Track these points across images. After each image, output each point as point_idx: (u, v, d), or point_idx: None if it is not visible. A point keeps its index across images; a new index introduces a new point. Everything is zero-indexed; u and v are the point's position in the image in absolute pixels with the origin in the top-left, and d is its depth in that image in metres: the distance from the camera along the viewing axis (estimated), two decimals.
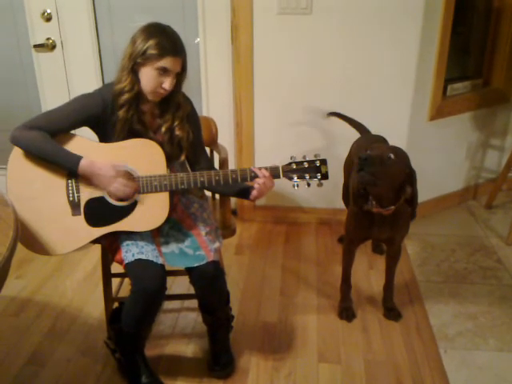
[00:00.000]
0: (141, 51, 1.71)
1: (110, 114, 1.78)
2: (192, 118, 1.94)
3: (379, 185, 1.93)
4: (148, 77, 1.74)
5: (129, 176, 1.78)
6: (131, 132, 1.80)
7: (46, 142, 1.72)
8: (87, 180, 1.77)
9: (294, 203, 3.21)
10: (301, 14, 2.72)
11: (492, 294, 2.49)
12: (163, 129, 1.85)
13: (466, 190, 3.50)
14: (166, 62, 1.71)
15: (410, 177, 1.98)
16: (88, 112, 1.78)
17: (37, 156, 1.75)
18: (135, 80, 1.76)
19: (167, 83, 1.75)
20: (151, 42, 1.69)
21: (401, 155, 1.96)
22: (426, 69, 2.83)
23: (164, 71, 1.73)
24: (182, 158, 1.93)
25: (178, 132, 1.86)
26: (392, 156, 1.90)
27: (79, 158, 1.73)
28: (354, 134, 2.65)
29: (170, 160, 1.86)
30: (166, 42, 1.71)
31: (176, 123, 1.86)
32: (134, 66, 1.74)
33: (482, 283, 2.59)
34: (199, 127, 2.01)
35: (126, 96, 1.76)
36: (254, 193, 1.84)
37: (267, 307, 2.42)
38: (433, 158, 3.14)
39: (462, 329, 2.26)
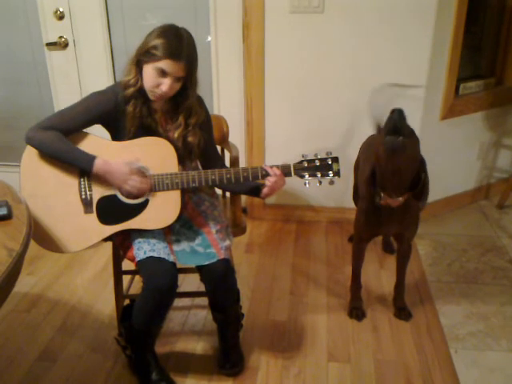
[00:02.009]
0: (145, 48, 1.72)
1: (122, 111, 1.79)
2: (206, 125, 1.94)
3: (403, 156, 1.84)
4: (147, 75, 1.74)
5: (142, 173, 1.79)
6: (142, 128, 1.81)
7: (60, 143, 1.73)
8: (101, 179, 1.78)
9: (304, 202, 3.20)
10: (313, 12, 2.71)
11: (504, 295, 2.47)
12: (176, 135, 1.85)
13: (478, 190, 3.48)
14: (164, 64, 1.70)
15: (422, 164, 1.97)
16: (101, 109, 1.79)
17: (51, 156, 1.76)
18: (140, 75, 1.76)
19: (164, 85, 1.73)
20: (157, 42, 1.69)
21: (416, 138, 1.93)
22: (439, 67, 2.81)
23: (162, 73, 1.72)
24: (194, 163, 1.94)
25: (190, 139, 1.86)
26: (413, 131, 1.88)
27: (93, 157, 1.74)
28: (365, 134, 2.63)
29: (182, 160, 1.87)
30: (172, 44, 1.69)
31: (189, 129, 1.86)
32: (138, 61, 1.75)
33: (494, 283, 2.57)
34: (212, 131, 2.01)
35: (131, 89, 1.77)
36: (265, 190, 1.84)
37: (277, 306, 2.42)
38: (445, 157, 3.12)
39: (473, 329, 2.24)
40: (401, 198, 2.00)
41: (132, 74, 1.77)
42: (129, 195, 1.80)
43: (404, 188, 1.98)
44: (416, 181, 1.97)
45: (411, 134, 1.88)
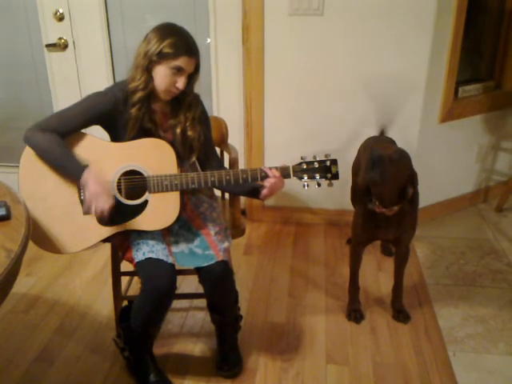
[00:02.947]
0: (156, 50, 1.72)
1: (121, 112, 1.79)
2: (203, 119, 1.95)
3: (386, 185, 1.93)
4: (162, 75, 1.75)
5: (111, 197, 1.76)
6: (142, 130, 1.81)
7: (54, 148, 1.72)
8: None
9: (302, 204, 3.21)
10: (312, 15, 2.72)
11: (502, 298, 2.47)
12: (178, 130, 1.86)
13: (477, 193, 3.48)
14: (181, 62, 1.72)
15: (411, 178, 2.00)
16: (100, 110, 1.79)
17: (44, 159, 1.76)
18: (149, 78, 1.77)
19: (180, 82, 1.76)
20: (167, 42, 1.71)
21: (405, 156, 1.97)
22: (438, 70, 2.82)
23: (178, 70, 1.74)
24: (193, 158, 1.94)
25: (189, 132, 1.87)
26: (398, 156, 1.91)
27: (83, 169, 1.72)
28: (364, 135, 2.64)
29: (181, 160, 1.87)
30: (181, 42, 1.73)
31: (187, 124, 1.87)
32: (148, 64, 1.75)
33: (492, 286, 2.57)
34: (209, 128, 2.01)
35: (139, 94, 1.77)
36: (264, 192, 1.84)
37: (275, 308, 2.42)
38: (443, 160, 3.13)
39: (472, 332, 2.24)
40: (395, 207, 2.02)
41: (140, 79, 1.77)
42: (87, 209, 1.77)
43: (392, 201, 2.01)
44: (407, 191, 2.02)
45: (394, 161, 1.90)
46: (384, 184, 1.92)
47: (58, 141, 1.73)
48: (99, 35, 2.99)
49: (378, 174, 1.87)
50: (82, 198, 1.79)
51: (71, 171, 1.75)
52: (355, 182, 2.54)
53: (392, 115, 2.79)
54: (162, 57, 1.72)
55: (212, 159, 2.01)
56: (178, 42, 1.72)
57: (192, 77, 1.82)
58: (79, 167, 1.73)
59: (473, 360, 2.08)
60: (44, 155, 1.75)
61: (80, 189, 1.79)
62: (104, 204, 1.71)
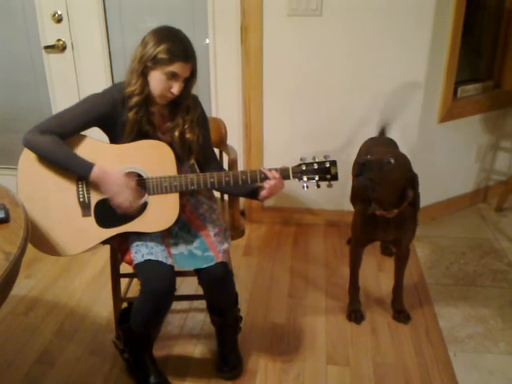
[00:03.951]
0: (151, 55, 1.70)
1: (119, 113, 1.79)
2: (201, 121, 1.94)
3: (378, 190, 1.93)
4: (157, 81, 1.74)
5: (138, 188, 1.77)
6: (141, 133, 1.81)
7: (59, 148, 1.73)
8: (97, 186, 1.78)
9: (302, 205, 3.20)
10: (311, 15, 2.72)
11: (502, 297, 2.47)
12: (176, 133, 1.85)
13: (476, 193, 3.48)
14: (175, 68, 1.71)
15: (411, 181, 1.99)
16: (98, 111, 1.78)
17: (48, 161, 1.75)
18: (145, 83, 1.76)
19: (175, 88, 1.75)
20: (162, 47, 1.69)
21: (401, 160, 1.96)
22: (437, 70, 2.82)
23: (173, 76, 1.73)
24: (192, 160, 1.93)
25: (188, 135, 1.87)
26: (392, 161, 1.90)
27: (91, 165, 1.73)
28: (363, 136, 2.63)
29: (180, 162, 1.87)
30: (176, 47, 1.71)
31: (186, 126, 1.87)
32: (143, 69, 1.74)
33: (493, 286, 2.57)
34: (208, 129, 2.01)
35: (135, 99, 1.76)
36: (264, 193, 1.84)
37: (276, 309, 2.41)
38: (443, 160, 3.12)
39: (472, 332, 2.24)
40: (395, 210, 2.01)
41: (136, 84, 1.76)
42: (119, 207, 1.78)
43: (392, 204, 2.01)
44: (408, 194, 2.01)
45: (383, 165, 1.90)
46: (376, 189, 1.92)
47: (59, 141, 1.73)
48: (98, 36, 2.98)
49: (367, 179, 1.88)
50: (82, 199, 1.79)
51: (79, 170, 1.75)
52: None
53: (392, 115, 2.79)
54: (156, 62, 1.71)
55: (211, 161, 2.01)
56: (173, 48, 1.70)
57: (189, 81, 1.80)
58: (87, 165, 1.73)
59: (473, 360, 2.08)
60: (48, 156, 1.75)
61: (79, 190, 1.79)
62: (128, 196, 1.73)
